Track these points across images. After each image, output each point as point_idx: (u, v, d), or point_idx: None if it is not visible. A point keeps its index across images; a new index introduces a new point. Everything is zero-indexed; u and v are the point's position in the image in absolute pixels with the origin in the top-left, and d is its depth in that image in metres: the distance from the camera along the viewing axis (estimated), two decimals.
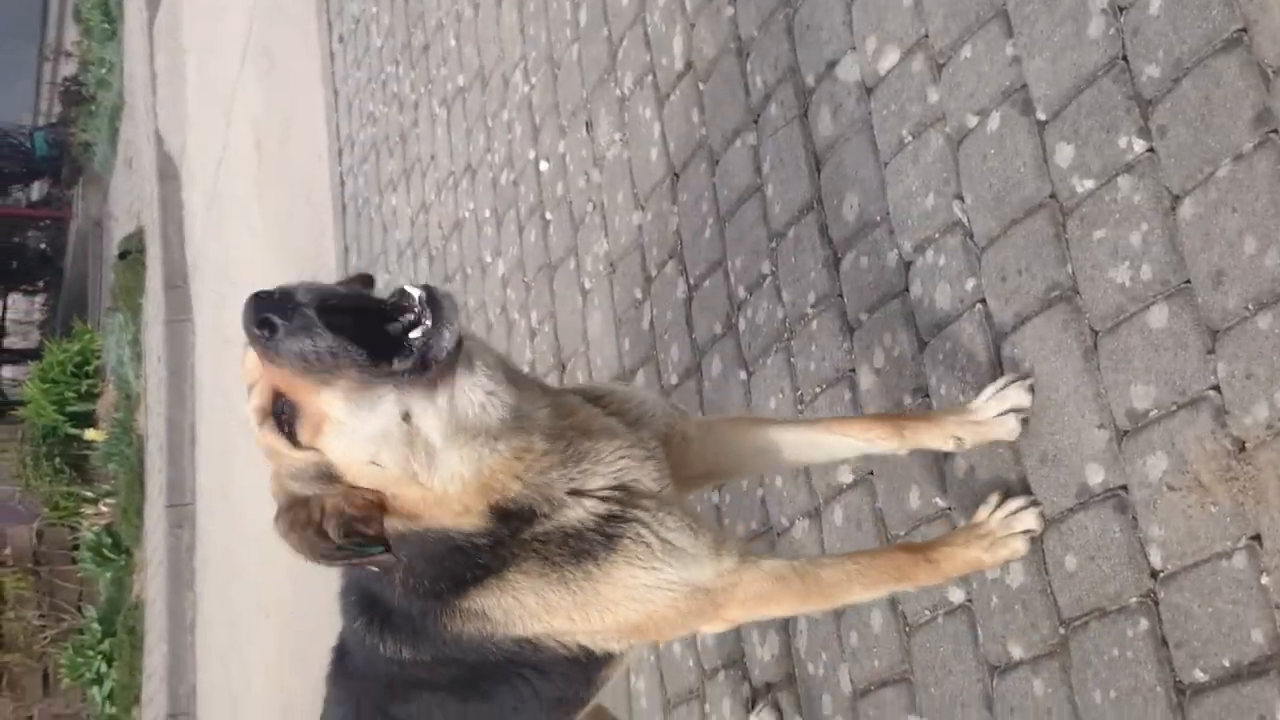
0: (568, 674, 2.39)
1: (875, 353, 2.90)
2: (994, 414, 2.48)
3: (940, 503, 2.69)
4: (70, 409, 13.63)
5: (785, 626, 3.16)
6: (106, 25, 16.72)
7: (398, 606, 2.28)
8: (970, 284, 2.63)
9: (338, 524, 2.07)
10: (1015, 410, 2.46)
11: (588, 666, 2.39)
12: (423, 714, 2.49)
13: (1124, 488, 2.26)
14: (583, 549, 2.19)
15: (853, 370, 2.96)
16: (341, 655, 2.58)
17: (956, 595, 2.63)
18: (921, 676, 2.71)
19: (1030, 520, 2.43)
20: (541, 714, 2.46)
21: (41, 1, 23.39)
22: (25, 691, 12.92)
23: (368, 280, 2.22)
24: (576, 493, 2.19)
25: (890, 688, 2.81)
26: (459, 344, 1.98)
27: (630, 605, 2.24)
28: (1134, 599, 2.22)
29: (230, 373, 9.94)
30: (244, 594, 8.99)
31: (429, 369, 1.96)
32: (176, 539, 10.68)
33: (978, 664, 2.57)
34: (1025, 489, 2.47)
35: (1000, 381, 2.51)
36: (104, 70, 16.79)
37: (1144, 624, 2.20)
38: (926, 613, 2.71)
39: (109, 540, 12.33)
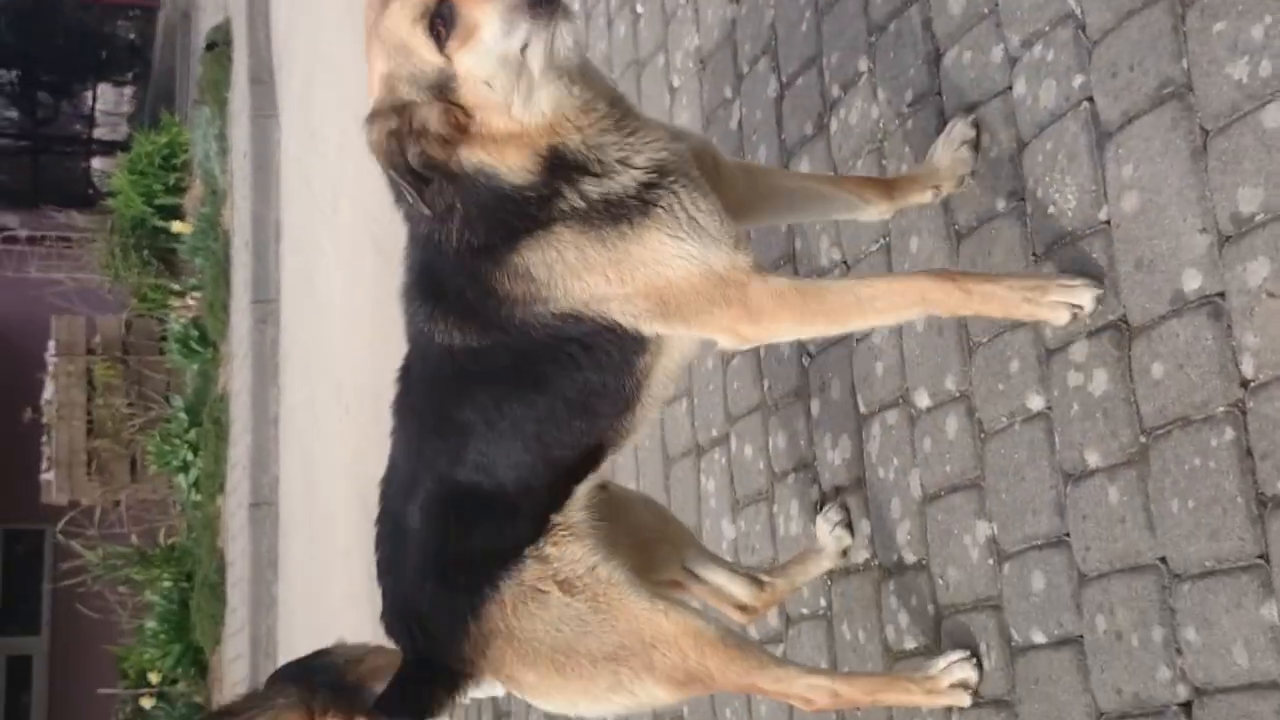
0: (609, 352, 2.54)
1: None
2: (951, 154, 2.82)
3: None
4: (158, 202, 13.74)
5: (858, 431, 3.15)
6: None
7: (452, 277, 2.50)
8: (1078, 81, 2.52)
9: (420, 151, 2.34)
10: (966, 143, 2.79)
11: (625, 346, 2.54)
12: (484, 413, 2.61)
13: (1221, 294, 2.18)
14: (621, 214, 2.43)
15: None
16: (404, 374, 2.75)
17: (1036, 402, 2.58)
18: (993, 482, 2.69)
19: (1087, 297, 2.44)
20: (592, 404, 2.60)
21: None
22: (114, 476, 13.33)
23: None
24: (624, 162, 2.44)
25: (960, 493, 2.79)
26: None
27: (655, 267, 2.44)
28: (1221, 408, 2.17)
29: (316, 169, 9.97)
30: (326, 389, 9.17)
31: (553, 2, 2.29)
32: (261, 334, 10.86)
33: (1052, 471, 2.54)
34: (1114, 289, 2.39)
35: (949, 125, 2.83)
36: None
37: (1230, 434, 2.15)
38: (1004, 419, 2.67)
39: (195, 333, 12.57)
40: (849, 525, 3.17)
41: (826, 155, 3.33)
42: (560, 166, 2.41)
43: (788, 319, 2.53)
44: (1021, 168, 2.66)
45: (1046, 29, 2.60)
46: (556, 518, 2.67)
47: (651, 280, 2.45)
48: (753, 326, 2.54)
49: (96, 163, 19.95)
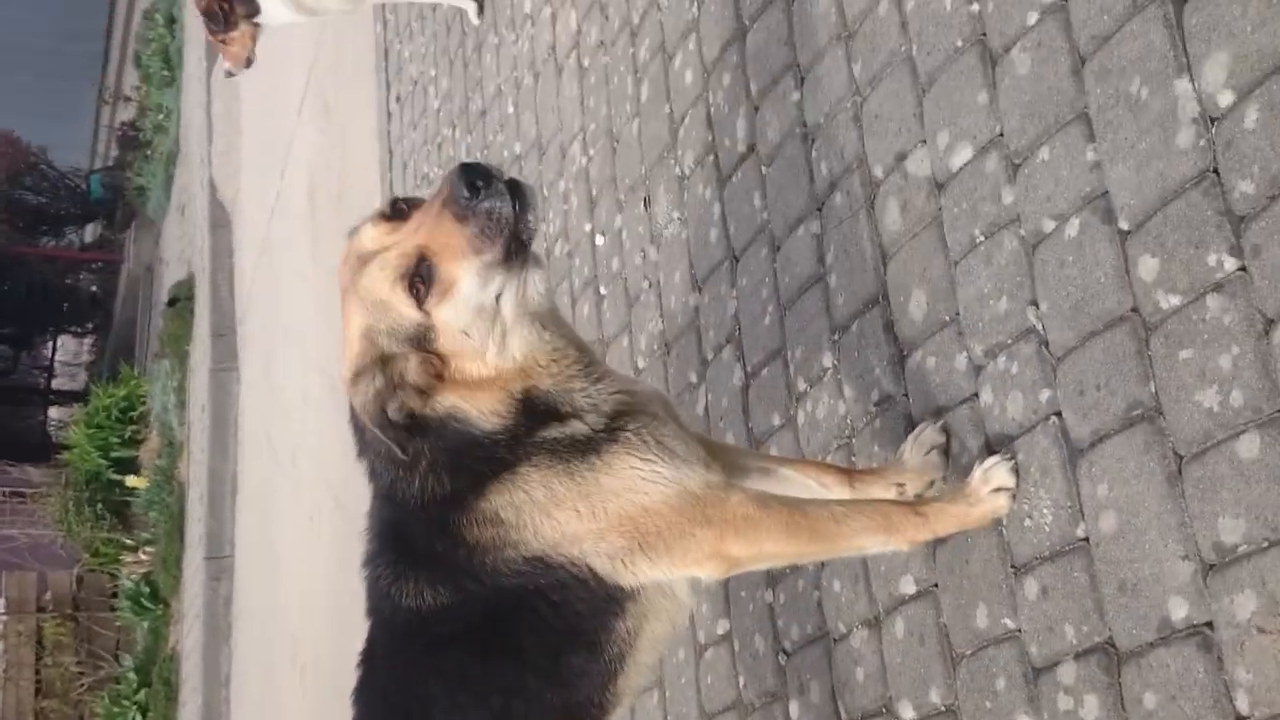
0: (580, 610, 2.46)
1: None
2: (920, 457, 2.78)
3: (1009, 624, 2.56)
4: (114, 454, 13.66)
5: None
6: (166, 72, 16.94)
7: (419, 530, 2.46)
8: (1045, 395, 2.52)
9: (400, 404, 2.34)
10: (936, 448, 2.76)
11: (601, 604, 2.46)
12: (445, 691, 2.52)
13: (1209, 625, 2.13)
14: (588, 448, 2.42)
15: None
16: (367, 657, 2.66)
17: None
18: None
19: (1004, 475, 2.54)
20: (567, 675, 2.52)
21: (103, 47, 23.77)
22: None
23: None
24: (592, 407, 2.45)
25: None
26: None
27: (628, 496, 2.41)
28: None
29: (276, 424, 9.93)
30: (281, 650, 8.92)
31: (524, 250, 2.34)
32: (214, 591, 10.64)
33: None
34: (1099, 611, 2.34)
35: (918, 429, 2.80)
36: (161, 116, 16.99)
37: None
38: None
39: (147, 590, 12.31)
40: None
41: (795, 447, 3.31)
42: (531, 410, 2.41)
43: (775, 527, 2.48)
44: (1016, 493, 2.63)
45: (1009, 342, 2.62)
46: None
47: (625, 509, 2.41)
48: (740, 542, 2.47)
49: (54, 413, 19.86)
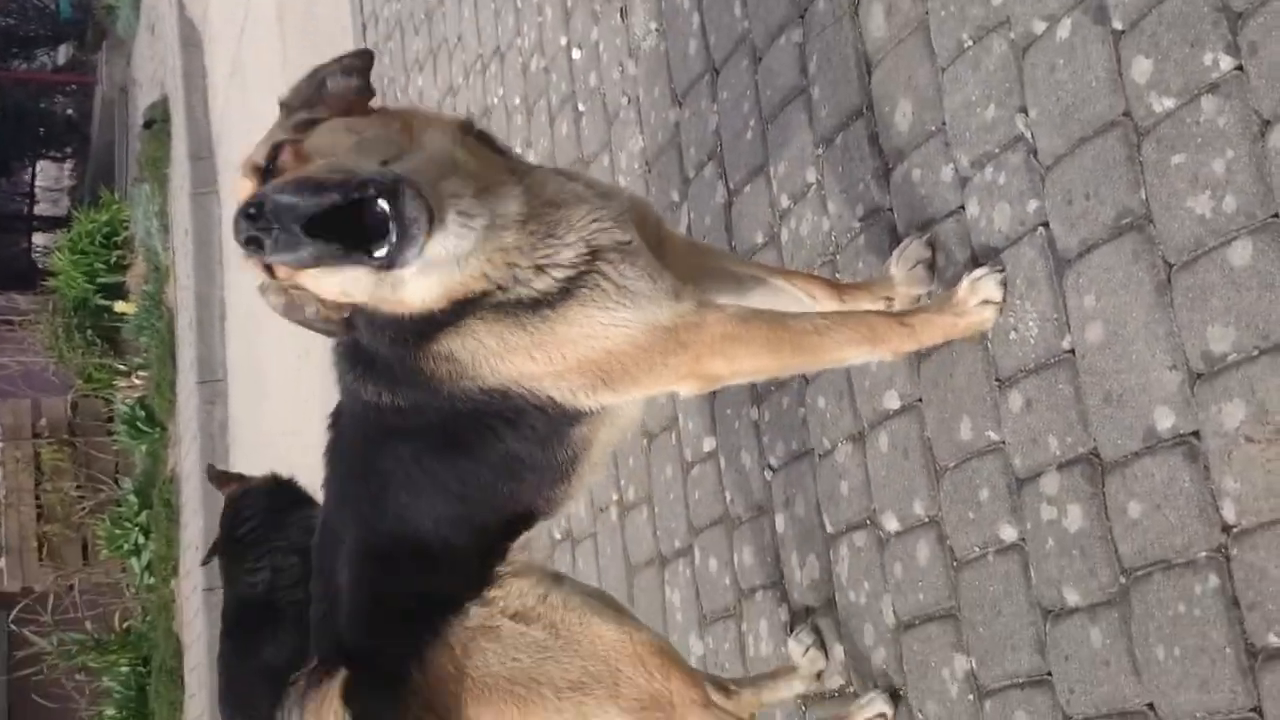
0: (537, 427, 2.44)
1: None
2: (906, 271, 2.71)
3: (993, 436, 2.55)
4: (100, 280, 13.52)
5: (825, 551, 3.07)
6: None
7: (379, 356, 2.41)
8: (1032, 205, 2.46)
9: (316, 311, 2.28)
10: (921, 262, 2.69)
11: (558, 422, 2.44)
12: (402, 468, 2.53)
13: (1196, 434, 2.12)
14: (541, 303, 2.31)
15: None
16: (336, 420, 2.69)
17: (1008, 533, 2.51)
18: (969, 614, 2.61)
19: (991, 288, 2.49)
20: (520, 473, 2.52)
21: None
22: (66, 561, 13.05)
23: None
24: (543, 268, 2.31)
25: (935, 623, 2.71)
26: (427, 234, 2.07)
27: (588, 343, 2.33)
28: (1203, 553, 2.10)
29: None
30: (275, 468, 9.00)
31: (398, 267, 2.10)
32: (209, 415, 10.67)
33: (1030, 606, 2.46)
34: (1084, 422, 2.33)
35: (904, 242, 2.72)
36: None
37: (1213, 581, 2.07)
38: (976, 549, 2.59)
39: (143, 413, 12.34)
40: (823, 647, 3.08)
41: (779, 264, 3.25)
42: (469, 302, 2.30)
43: (756, 342, 2.40)
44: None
45: (996, 151, 2.54)
46: (495, 564, 2.62)
47: (586, 355, 2.35)
48: (720, 359, 2.41)
49: (38, 239, 19.65)
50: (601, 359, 2.35)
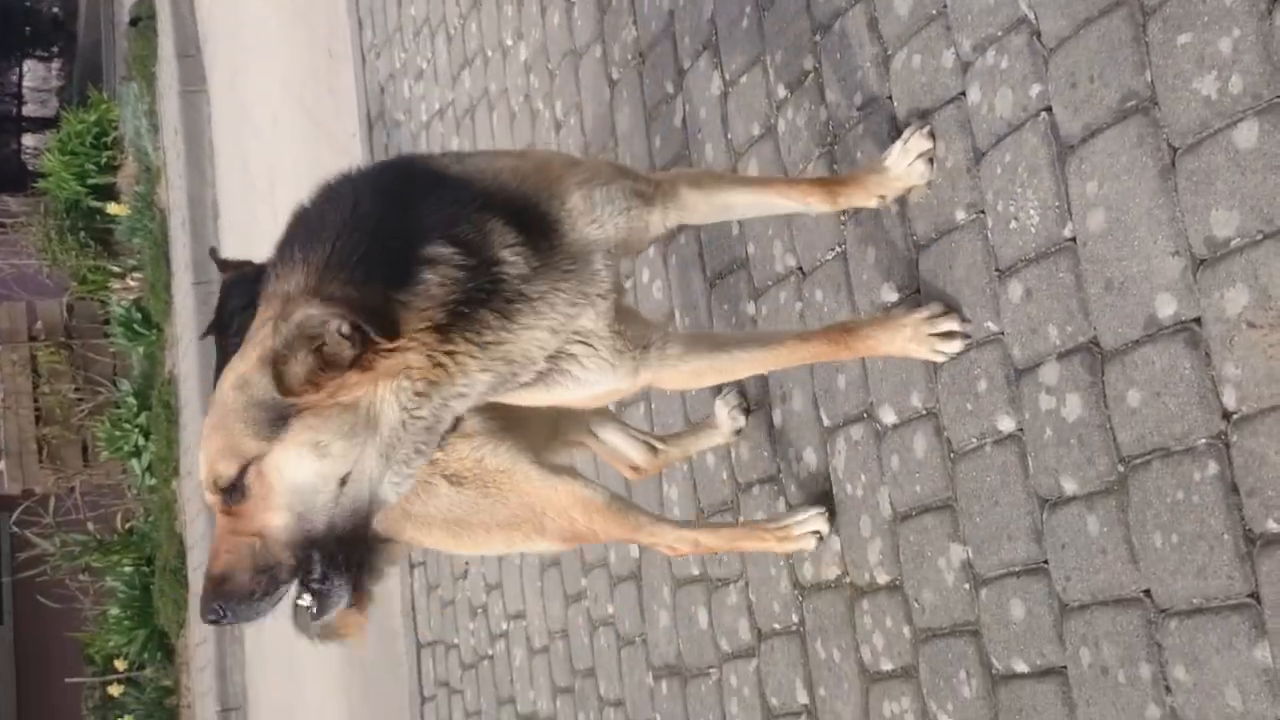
0: None
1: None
2: (905, 165, 2.67)
3: (992, 327, 2.53)
4: (91, 181, 13.39)
5: (823, 444, 3.06)
6: None
7: None
8: (1035, 90, 2.40)
9: None
10: (920, 156, 2.65)
11: None
12: None
13: (1197, 321, 2.09)
14: None
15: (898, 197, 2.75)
16: None
17: (1006, 424, 2.49)
18: (966, 505, 2.61)
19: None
20: None
21: None
22: (66, 463, 13.10)
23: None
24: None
25: (932, 514, 2.71)
26: (348, 586, 2.17)
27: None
28: (1203, 440, 2.08)
29: (251, 149, 9.71)
30: None
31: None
32: (205, 316, 10.61)
33: (1027, 496, 2.45)
34: (1084, 311, 2.30)
35: (905, 135, 2.68)
36: None
37: (1213, 468, 2.06)
38: (974, 440, 2.58)
39: (139, 315, 12.30)
40: (746, 410, 3.36)
41: (775, 157, 3.21)
42: None
43: (709, 379, 2.73)
44: (980, 179, 2.55)
45: (999, 34, 2.48)
46: None
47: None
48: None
49: (28, 140, 19.45)
50: None
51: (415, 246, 2.12)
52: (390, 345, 2.06)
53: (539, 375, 2.35)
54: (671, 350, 2.54)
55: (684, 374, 2.60)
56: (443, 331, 2.13)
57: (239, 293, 2.41)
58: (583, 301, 2.34)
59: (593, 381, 2.45)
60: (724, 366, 2.66)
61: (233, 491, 2.08)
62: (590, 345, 2.40)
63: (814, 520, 3.02)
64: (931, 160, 2.65)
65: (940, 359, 2.62)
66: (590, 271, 2.35)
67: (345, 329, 2.02)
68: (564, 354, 2.37)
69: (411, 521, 2.86)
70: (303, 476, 2.07)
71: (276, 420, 2.05)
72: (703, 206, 2.68)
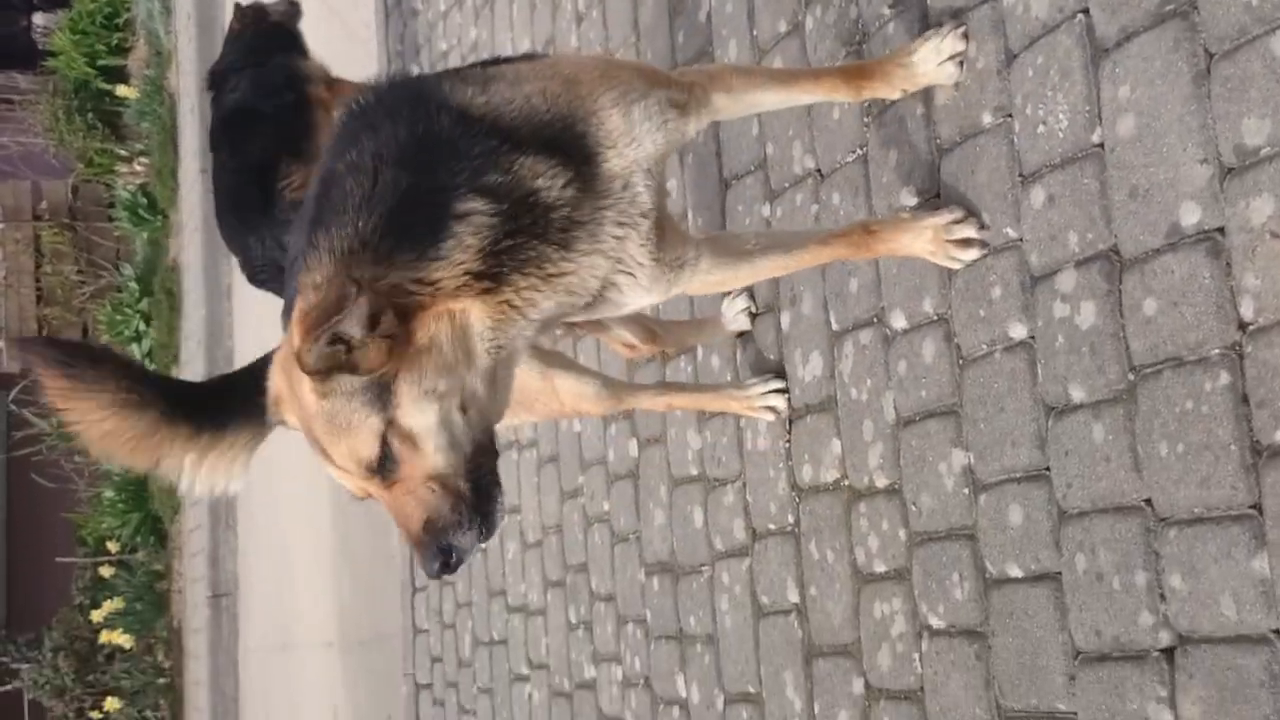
0: None
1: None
2: (935, 64, 2.64)
3: (1011, 233, 2.50)
4: (101, 63, 13.27)
5: (830, 349, 3.05)
6: None
7: None
8: None
9: None
10: (951, 57, 2.61)
11: None
12: None
13: (1221, 230, 2.07)
14: None
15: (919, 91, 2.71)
16: None
17: (1018, 331, 2.48)
18: (971, 411, 2.61)
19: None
20: None
21: None
22: None
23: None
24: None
25: (936, 419, 2.70)
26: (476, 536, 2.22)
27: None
28: (1216, 350, 2.07)
29: None
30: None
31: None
32: (211, 204, 10.57)
33: (1034, 403, 2.45)
34: (1106, 218, 2.28)
35: (940, 31, 2.63)
36: None
37: (1224, 378, 2.05)
38: (984, 346, 2.57)
39: (144, 200, 12.24)
40: (752, 315, 3.39)
41: (801, 55, 3.16)
42: None
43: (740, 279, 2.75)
44: (1010, 82, 2.51)
45: None
46: None
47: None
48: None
49: (38, 19, 19.19)
50: None
51: (444, 206, 2.14)
52: (432, 304, 2.13)
53: (588, 302, 2.37)
54: (703, 264, 2.56)
55: (710, 284, 2.68)
56: (495, 275, 2.17)
57: (234, 47, 2.53)
58: (627, 224, 2.35)
59: (629, 303, 2.49)
60: (746, 274, 2.73)
61: (385, 464, 2.15)
62: (632, 275, 2.41)
63: (771, 396, 3.22)
64: (962, 63, 2.61)
65: (957, 266, 2.61)
66: (633, 193, 2.35)
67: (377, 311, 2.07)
68: (609, 283, 2.38)
69: None
70: (434, 419, 2.14)
71: (380, 392, 2.12)
72: (733, 107, 2.67)
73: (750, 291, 3.37)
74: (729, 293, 3.39)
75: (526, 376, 2.90)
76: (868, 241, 2.66)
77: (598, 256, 2.31)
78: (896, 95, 2.71)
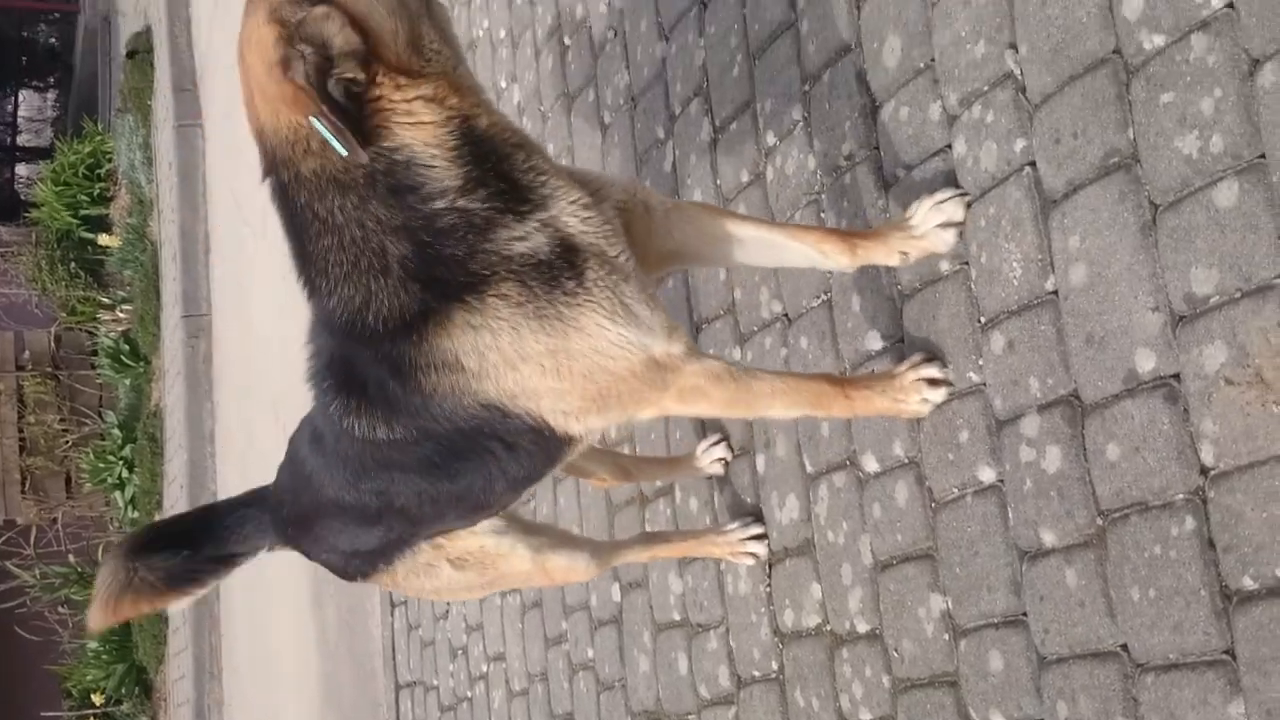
0: (532, 451, 2.47)
1: None
2: (931, 226, 2.58)
3: (974, 378, 2.54)
4: (84, 212, 13.41)
5: (805, 491, 3.06)
6: None
7: (368, 367, 2.34)
8: (1020, 145, 2.43)
9: (339, 77, 2.15)
10: (950, 224, 2.56)
11: (550, 444, 2.47)
12: (391, 490, 2.57)
13: (1176, 377, 2.11)
14: (553, 277, 2.27)
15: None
16: (312, 428, 2.66)
17: (987, 475, 2.50)
18: (946, 555, 2.61)
19: (933, 370, 2.60)
20: (503, 493, 2.62)
21: None
22: (49, 494, 13.05)
23: None
24: (534, 201, 2.28)
25: (913, 563, 2.71)
26: None
27: (594, 357, 2.32)
28: (1180, 496, 2.09)
29: (244, 187, 9.73)
30: (261, 406, 8.98)
31: None
32: (193, 349, 10.63)
33: (1006, 548, 2.46)
34: (1065, 364, 2.32)
35: (939, 195, 2.57)
36: None
37: (1190, 523, 2.07)
38: (954, 490, 2.59)
39: (127, 347, 12.28)
40: (726, 463, 3.39)
41: (764, 204, 3.23)
42: (478, 155, 2.25)
43: (718, 399, 2.52)
44: (965, 230, 2.57)
45: (985, 89, 2.51)
46: None
47: (590, 373, 2.35)
48: (680, 404, 2.52)
49: (21, 170, 19.48)
50: (603, 381, 2.37)
51: None
52: None
53: (573, 266, 2.34)
54: (704, 355, 2.57)
55: (726, 375, 2.53)
56: None
57: None
58: (598, 213, 2.41)
59: (635, 321, 2.37)
60: (759, 382, 2.61)
61: None
62: (627, 282, 2.39)
63: (751, 543, 3.22)
64: (961, 233, 2.57)
65: (926, 410, 2.63)
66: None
67: None
68: (587, 257, 2.35)
69: (396, 585, 2.97)
70: None
71: None
72: (710, 227, 2.68)
73: (726, 439, 3.38)
74: (705, 435, 3.42)
75: (517, 561, 2.94)
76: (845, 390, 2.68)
77: None
78: (895, 260, 2.64)
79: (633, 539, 3.45)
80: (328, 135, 2.14)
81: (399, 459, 2.48)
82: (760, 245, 2.73)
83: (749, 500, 3.30)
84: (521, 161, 2.31)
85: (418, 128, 2.22)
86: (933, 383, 2.61)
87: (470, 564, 2.90)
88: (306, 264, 2.30)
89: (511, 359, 2.30)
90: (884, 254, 2.64)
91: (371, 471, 2.54)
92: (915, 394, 2.60)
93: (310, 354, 2.48)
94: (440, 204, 2.22)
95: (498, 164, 2.27)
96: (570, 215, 2.33)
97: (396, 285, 2.24)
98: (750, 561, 3.24)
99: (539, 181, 2.32)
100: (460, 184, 2.23)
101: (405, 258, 2.23)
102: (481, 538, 2.87)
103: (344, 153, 2.16)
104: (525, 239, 2.27)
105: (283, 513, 2.87)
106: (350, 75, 2.15)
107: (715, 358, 2.55)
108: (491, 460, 2.45)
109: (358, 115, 2.17)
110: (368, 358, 2.35)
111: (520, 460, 2.47)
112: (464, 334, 2.27)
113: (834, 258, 2.66)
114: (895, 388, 2.62)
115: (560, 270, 2.30)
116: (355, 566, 2.87)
